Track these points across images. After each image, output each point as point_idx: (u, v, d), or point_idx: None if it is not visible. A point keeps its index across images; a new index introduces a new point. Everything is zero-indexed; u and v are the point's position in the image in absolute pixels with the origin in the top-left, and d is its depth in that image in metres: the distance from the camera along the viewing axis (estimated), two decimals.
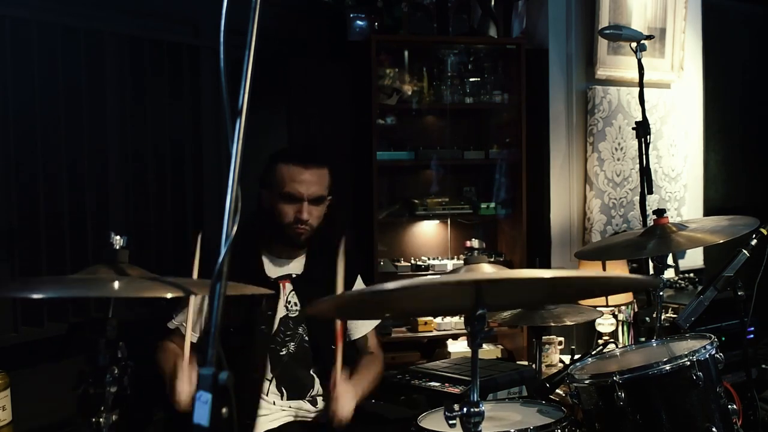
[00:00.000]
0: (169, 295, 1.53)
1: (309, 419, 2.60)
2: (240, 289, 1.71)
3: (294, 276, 2.64)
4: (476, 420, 1.60)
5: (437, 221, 4.22)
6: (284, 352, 2.59)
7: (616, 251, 2.96)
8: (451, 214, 4.13)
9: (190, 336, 2.33)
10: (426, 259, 4.07)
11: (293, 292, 2.62)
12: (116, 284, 1.56)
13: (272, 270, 2.63)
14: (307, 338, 2.62)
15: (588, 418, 2.32)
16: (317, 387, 2.62)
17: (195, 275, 2.27)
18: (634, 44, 3.34)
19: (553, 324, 2.99)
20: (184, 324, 2.38)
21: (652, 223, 2.70)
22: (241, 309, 2.48)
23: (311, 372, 2.62)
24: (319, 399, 2.62)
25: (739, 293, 2.68)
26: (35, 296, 1.41)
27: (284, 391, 2.58)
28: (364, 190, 3.87)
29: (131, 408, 1.27)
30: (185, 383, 2.24)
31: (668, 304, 3.65)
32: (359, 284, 2.72)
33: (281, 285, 2.62)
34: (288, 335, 2.60)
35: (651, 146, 3.62)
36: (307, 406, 2.60)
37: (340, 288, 2.36)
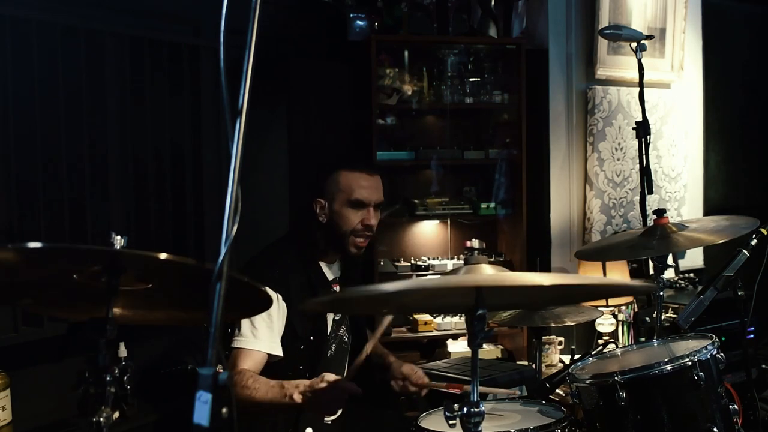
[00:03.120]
0: None
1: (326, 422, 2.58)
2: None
3: (338, 278, 2.66)
4: (476, 420, 1.60)
5: (437, 221, 4.22)
6: (329, 354, 2.59)
7: (617, 251, 2.95)
8: (451, 214, 4.12)
9: (270, 349, 2.37)
10: (426, 259, 4.07)
11: None
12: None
13: (329, 274, 2.63)
14: (346, 339, 2.65)
15: (589, 417, 2.32)
16: None
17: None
18: (634, 44, 3.34)
19: (553, 324, 2.98)
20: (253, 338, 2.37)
21: (652, 223, 2.70)
22: (310, 317, 2.50)
23: (344, 374, 2.62)
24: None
25: (739, 293, 2.68)
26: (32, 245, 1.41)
27: None
28: None
29: None
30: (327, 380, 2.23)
31: (668, 304, 3.64)
32: None
33: (334, 288, 2.63)
34: (333, 336, 2.61)
35: (651, 146, 3.62)
36: None
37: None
